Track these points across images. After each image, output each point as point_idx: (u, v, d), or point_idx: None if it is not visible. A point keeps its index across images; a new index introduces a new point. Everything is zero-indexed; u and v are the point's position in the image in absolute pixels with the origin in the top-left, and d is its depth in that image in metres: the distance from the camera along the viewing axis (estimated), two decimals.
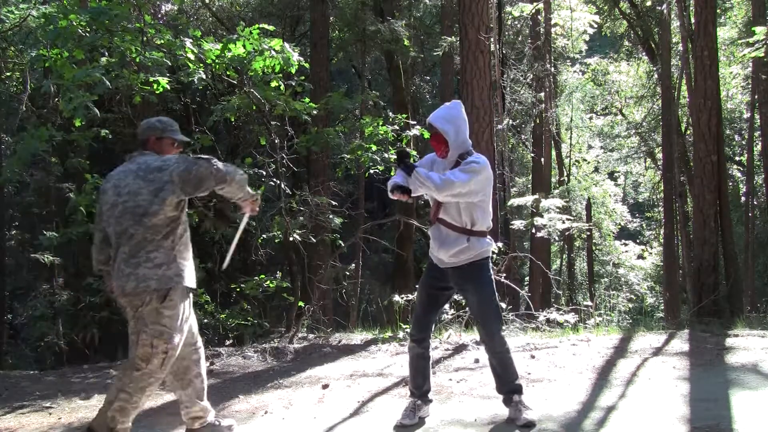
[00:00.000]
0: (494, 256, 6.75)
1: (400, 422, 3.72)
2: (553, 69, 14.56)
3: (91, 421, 3.39)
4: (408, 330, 6.41)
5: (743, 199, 18.60)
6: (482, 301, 3.58)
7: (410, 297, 6.95)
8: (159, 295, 3.26)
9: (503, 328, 3.65)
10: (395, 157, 3.58)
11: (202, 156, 3.38)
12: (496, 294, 3.64)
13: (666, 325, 7.29)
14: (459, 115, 3.60)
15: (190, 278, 3.40)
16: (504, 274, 7.17)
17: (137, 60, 6.16)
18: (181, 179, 3.27)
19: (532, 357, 5.24)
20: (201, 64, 6.32)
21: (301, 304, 7.26)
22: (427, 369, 3.80)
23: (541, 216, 9.84)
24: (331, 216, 7.81)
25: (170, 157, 3.38)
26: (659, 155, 17.76)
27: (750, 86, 16.41)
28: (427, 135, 7.63)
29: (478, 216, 3.54)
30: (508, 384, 3.64)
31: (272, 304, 9.25)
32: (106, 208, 3.40)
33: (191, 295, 3.44)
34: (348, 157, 7.40)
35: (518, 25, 15.60)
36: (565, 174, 19.67)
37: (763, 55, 8.38)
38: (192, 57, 6.13)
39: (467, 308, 6.46)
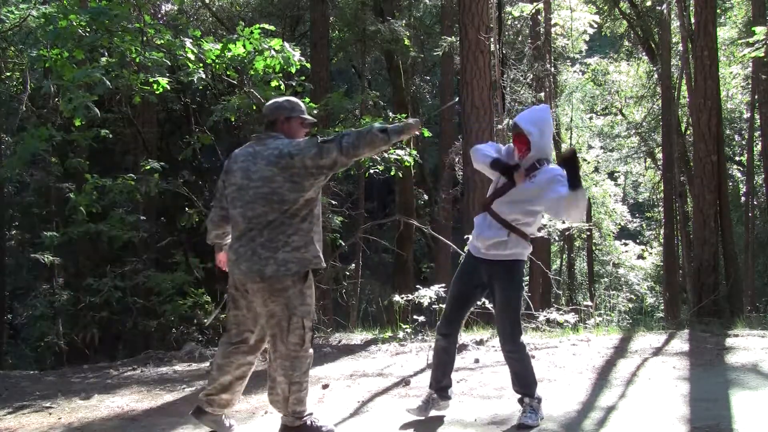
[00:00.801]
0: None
1: (408, 409, 3.73)
2: (553, 69, 14.55)
3: (281, 422, 3.49)
4: (407, 330, 6.42)
5: (743, 199, 18.59)
6: (506, 303, 3.58)
7: (410, 297, 6.94)
8: (300, 276, 3.32)
9: (521, 332, 3.64)
10: (568, 159, 3.37)
11: (327, 138, 3.34)
12: (522, 300, 3.64)
13: (666, 325, 7.29)
14: (546, 119, 3.61)
15: (322, 257, 3.46)
16: None
17: (137, 60, 6.16)
18: (315, 164, 3.27)
19: (532, 357, 5.23)
20: (201, 64, 6.32)
21: None
22: (449, 365, 3.80)
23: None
24: (330, 216, 7.81)
25: (299, 142, 3.35)
26: (659, 155, 17.75)
27: (750, 86, 16.39)
28: (427, 133, 7.64)
29: (528, 218, 3.55)
30: (519, 385, 3.66)
31: None
32: (231, 190, 3.42)
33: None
34: None
35: (518, 25, 15.57)
36: None
37: (763, 55, 8.38)
38: (192, 57, 6.13)
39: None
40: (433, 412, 3.80)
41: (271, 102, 3.58)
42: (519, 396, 3.67)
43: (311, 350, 3.43)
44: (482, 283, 3.68)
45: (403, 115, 8.03)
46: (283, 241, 3.29)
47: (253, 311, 3.44)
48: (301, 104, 3.57)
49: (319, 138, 3.36)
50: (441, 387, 3.78)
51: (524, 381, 3.63)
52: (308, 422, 3.47)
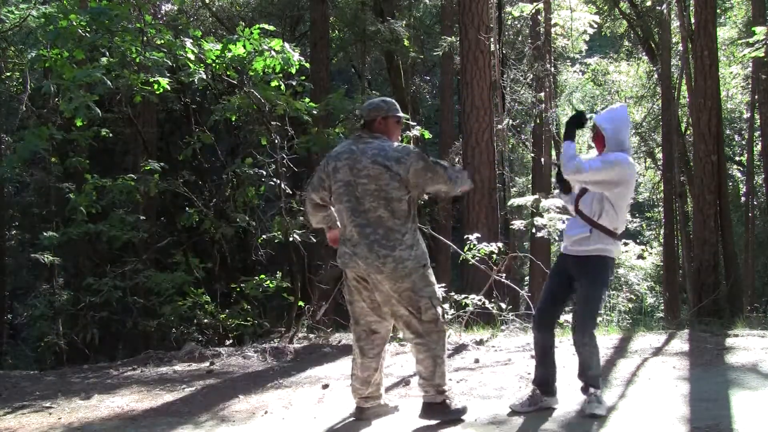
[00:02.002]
0: (495, 256, 6.74)
1: (512, 405, 3.85)
2: (553, 69, 14.54)
3: (423, 401, 3.65)
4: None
5: (743, 199, 18.59)
6: (588, 297, 3.72)
7: None
8: (418, 266, 3.54)
9: (596, 326, 3.80)
10: (573, 119, 3.78)
11: (439, 162, 3.60)
12: (604, 297, 3.79)
13: (666, 325, 7.29)
14: (621, 117, 3.76)
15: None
16: (504, 274, 7.17)
17: (137, 60, 6.16)
18: (416, 176, 3.51)
19: (532, 357, 5.23)
20: (201, 64, 6.33)
21: (301, 304, 7.26)
22: (553, 360, 3.91)
23: (541, 216, 9.80)
24: None
25: (408, 150, 3.56)
26: (659, 155, 17.75)
27: (750, 86, 16.40)
28: (427, 135, 7.66)
29: (607, 210, 3.66)
30: (585, 376, 3.78)
31: (272, 304, 9.24)
32: (338, 186, 3.57)
33: None
34: None
35: (518, 25, 15.58)
36: None
37: (763, 55, 8.38)
38: (192, 57, 6.13)
39: (467, 308, 6.47)
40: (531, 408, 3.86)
41: (367, 103, 3.76)
42: (583, 385, 3.79)
43: (445, 326, 3.64)
44: (572, 277, 3.84)
45: (404, 116, 8.02)
46: (398, 240, 3.49)
47: (376, 301, 3.62)
48: (396, 103, 3.76)
49: (429, 157, 3.57)
50: (544, 382, 3.87)
51: (591, 372, 3.75)
52: (446, 401, 3.64)
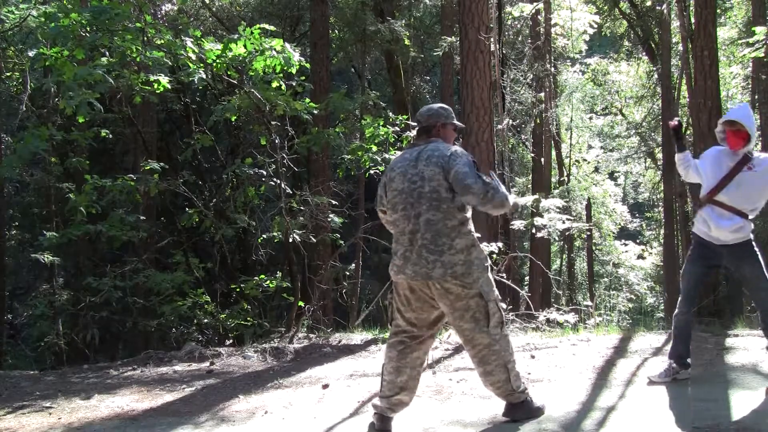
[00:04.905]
0: (494, 256, 6.74)
1: (651, 377, 4.25)
2: (553, 69, 14.55)
3: (505, 405, 3.63)
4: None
5: None
6: (760, 275, 4.01)
7: None
8: (482, 270, 3.41)
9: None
10: None
11: (487, 178, 3.37)
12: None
13: (666, 325, 7.29)
14: (751, 112, 4.12)
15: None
16: (504, 274, 7.16)
17: (138, 60, 6.17)
18: (455, 179, 3.32)
19: (532, 357, 5.24)
20: (201, 64, 6.33)
21: (301, 304, 7.26)
22: (689, 337, 4.25)
23: (541, 216, 9.81)
24: (331, 216, 7.81)
25: (460, 153, 3.41)
26: (659, 155, 17.76)
27: (750, 86, 16.40)
28: None
29: (754, 205, 4.03)
30: None
31: (272, 304, 9.26)
32: (393, 195, 3.48)
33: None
34: (348, 157, 7.41)
35: (518, 25, 15.57)
36: (565, 174, 19.66)
37: (763, 55, 8.37)
38: (193, 57, 6.13)
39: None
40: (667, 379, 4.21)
41: (425, 109, 3.66)
42: None
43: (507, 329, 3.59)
44: (717, 264, 4.20)
45: (405, 117, 8.02)
46: (448, 244, 3.33)
47: (427, 311, 3.49)
48: (452, 111, 3.69)
49: (475, 167, 3.40)
50: (682, 357, 4.20)
51: None
52: (528, 398, 3.62)
